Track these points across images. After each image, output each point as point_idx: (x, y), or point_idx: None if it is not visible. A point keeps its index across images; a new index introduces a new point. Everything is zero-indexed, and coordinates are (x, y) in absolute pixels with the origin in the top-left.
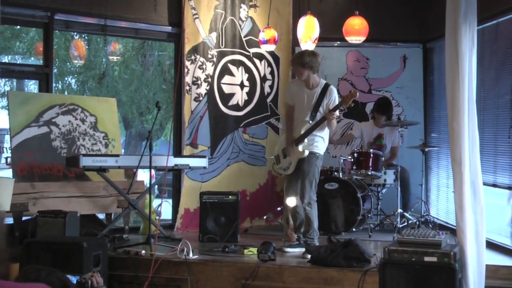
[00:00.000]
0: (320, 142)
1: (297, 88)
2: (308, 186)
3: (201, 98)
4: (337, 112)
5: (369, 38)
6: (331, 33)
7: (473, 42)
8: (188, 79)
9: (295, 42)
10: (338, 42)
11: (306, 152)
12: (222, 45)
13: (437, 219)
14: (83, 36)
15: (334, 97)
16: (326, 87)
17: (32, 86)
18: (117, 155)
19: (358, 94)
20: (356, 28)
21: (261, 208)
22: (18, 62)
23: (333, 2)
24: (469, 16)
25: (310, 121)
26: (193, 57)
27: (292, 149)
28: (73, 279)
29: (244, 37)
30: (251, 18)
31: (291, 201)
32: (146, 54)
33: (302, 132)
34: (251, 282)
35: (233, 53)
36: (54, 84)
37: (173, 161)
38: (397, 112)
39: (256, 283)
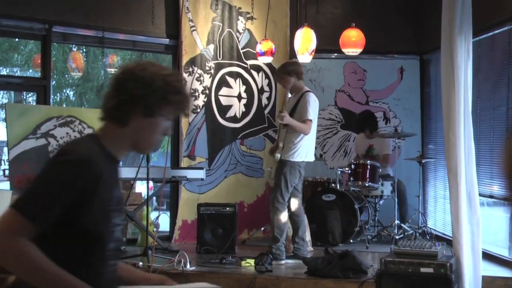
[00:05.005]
0: (291, 149)
1: (290, 97)
2: (275, 191)
3: (198, 110)
4: (285, 116)
5: (366, 50)
6: (328, 45)
7: (469, 53)
8: None
9: (292, 54)
10: (336, 54)
11: (278, 156)
12: (219, 57)
13: (435, 230)
14: (81, 48)
15: (305, 102)
16: (302, 94)
17: (30, 98)
18: None
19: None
20: (352, 40)
21: (259, 219)
22: (16, 75)
23: (330, 14)
24: (464, 28)
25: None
26: (190, 69)
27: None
28: None
29: (242, 49)
30: (248, 30)
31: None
32: None
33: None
34: None
35: (230, 65)
36: (52, 96)
37: (171, 173)
38: (394, 123)
39: None
